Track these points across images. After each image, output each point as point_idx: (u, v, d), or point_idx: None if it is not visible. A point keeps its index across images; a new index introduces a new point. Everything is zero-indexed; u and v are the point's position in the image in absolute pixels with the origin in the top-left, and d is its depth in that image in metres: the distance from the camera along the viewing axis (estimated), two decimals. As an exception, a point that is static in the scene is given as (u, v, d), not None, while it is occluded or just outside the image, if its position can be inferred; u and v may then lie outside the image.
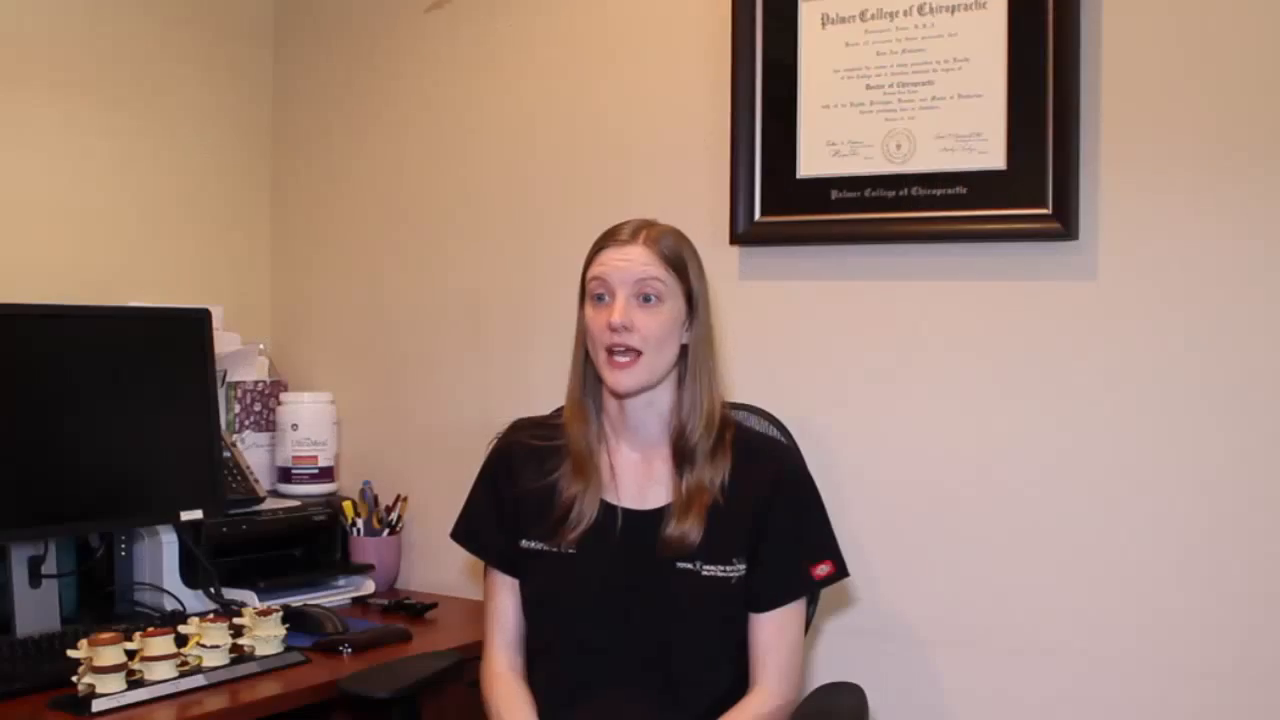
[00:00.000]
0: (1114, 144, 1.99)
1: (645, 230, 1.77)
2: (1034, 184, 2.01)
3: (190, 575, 2.29)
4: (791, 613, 1.79)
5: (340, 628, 2.16)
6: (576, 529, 1.78)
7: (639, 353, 1.73)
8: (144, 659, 1.82)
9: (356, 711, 2.01)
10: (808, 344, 2.25)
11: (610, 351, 1.74)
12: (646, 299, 1.74)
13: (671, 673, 1.75)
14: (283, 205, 2.90)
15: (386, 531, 2.60)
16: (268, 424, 2.71)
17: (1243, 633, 1.90)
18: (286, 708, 1.88)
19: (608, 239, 1.78)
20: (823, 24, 2.19)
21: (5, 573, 2.07)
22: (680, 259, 1.77)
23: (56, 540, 2.14)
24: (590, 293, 1.78)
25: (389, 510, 2.62)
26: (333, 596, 2.44)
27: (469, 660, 1.97)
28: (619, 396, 1.79)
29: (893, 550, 2.16)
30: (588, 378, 1.82)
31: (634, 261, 1.74)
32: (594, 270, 1.77)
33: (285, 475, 2.65)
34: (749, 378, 2.25)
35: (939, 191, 2.10)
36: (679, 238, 1.80)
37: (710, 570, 1.75)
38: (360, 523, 2.58)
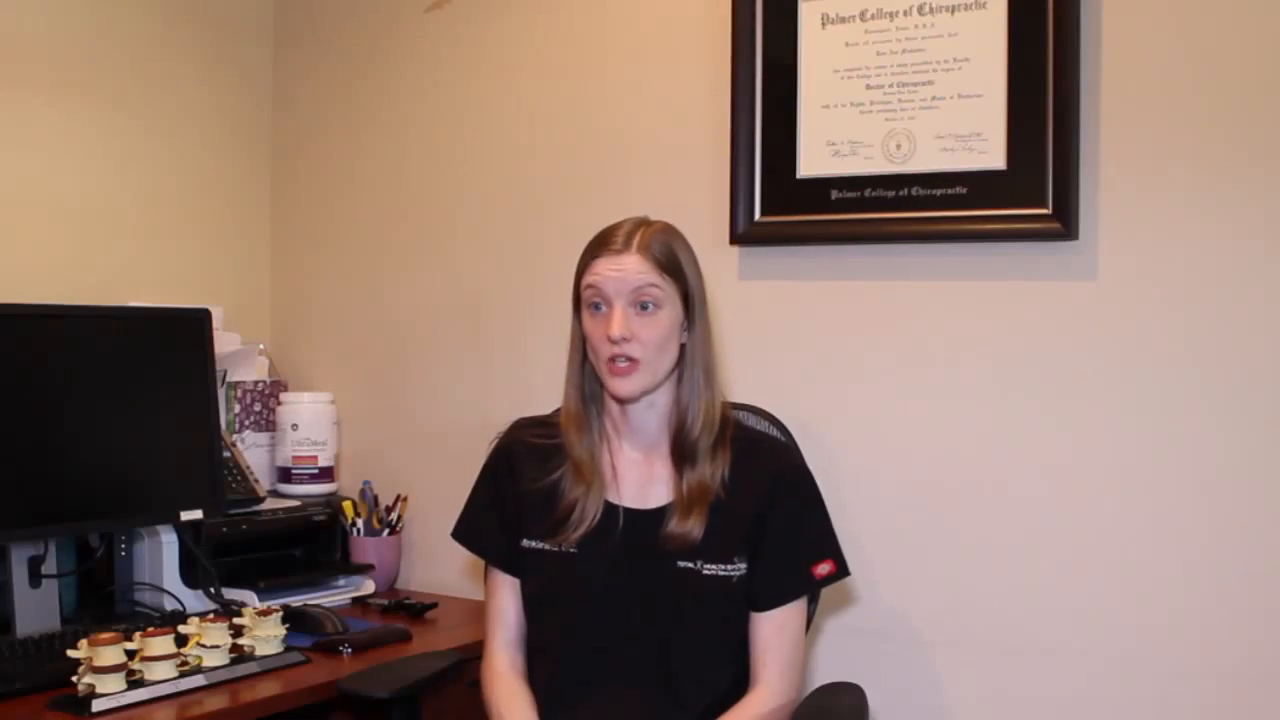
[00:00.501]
0: (1114, 144, 1.99)
1: (638, 235, 1.75)
2: (1034, 184, 2.01)
3: (190, 575, 2.29)
4: (792, 612, 1.79)
5: (340, 628, 2.16)
6: (579, 529, 1.78)
7: (640, 360, 1.73)
8: (144, 659, 1.82)
9: (356, 711, 2.01)
10: (808, 344, 2.25)
11: (612, 359, 1.74)
12: (644, 306, 1.74)
13: (672, 672, 1.75)
14: (283, 205, 2.90)
15: (386, 531, 2.60)
16: (268, 424, 2.71)
17: (1244, 633, 1.90)
18: (286, 708, 1.88)
19: (601, 247, 1.77)
20: (823, 24, 2.19)
21: (5, 573, 2.07)
22: (675, 261, 1.76)
23: (56, 540, 2.14)
24: (586, 301, 1.77)
25: (389, 510, 2.62)
26: (333, 596, 2.44)
27: (469, 660, 1.97)
28: (622, 402, 1.79)
29: (893, 550, 2.16)
30: (585, 383, 1.82)
31: (629, 271, 1.74)
32: (588, 279, 1.76)
33: (285, 475, 2.65)
34: (749, 378, 2.25)
35: (939, 191, 2.10)
36: (671, 235, 1.79)
37: (711, 569, 1.75)
38: (360, 523, 2.58)
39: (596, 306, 1.76)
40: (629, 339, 1.72)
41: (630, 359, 1.73)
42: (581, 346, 1.80)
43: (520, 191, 2.56)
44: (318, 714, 1.97)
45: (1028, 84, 2.01)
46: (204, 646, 1.91)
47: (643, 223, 1.79)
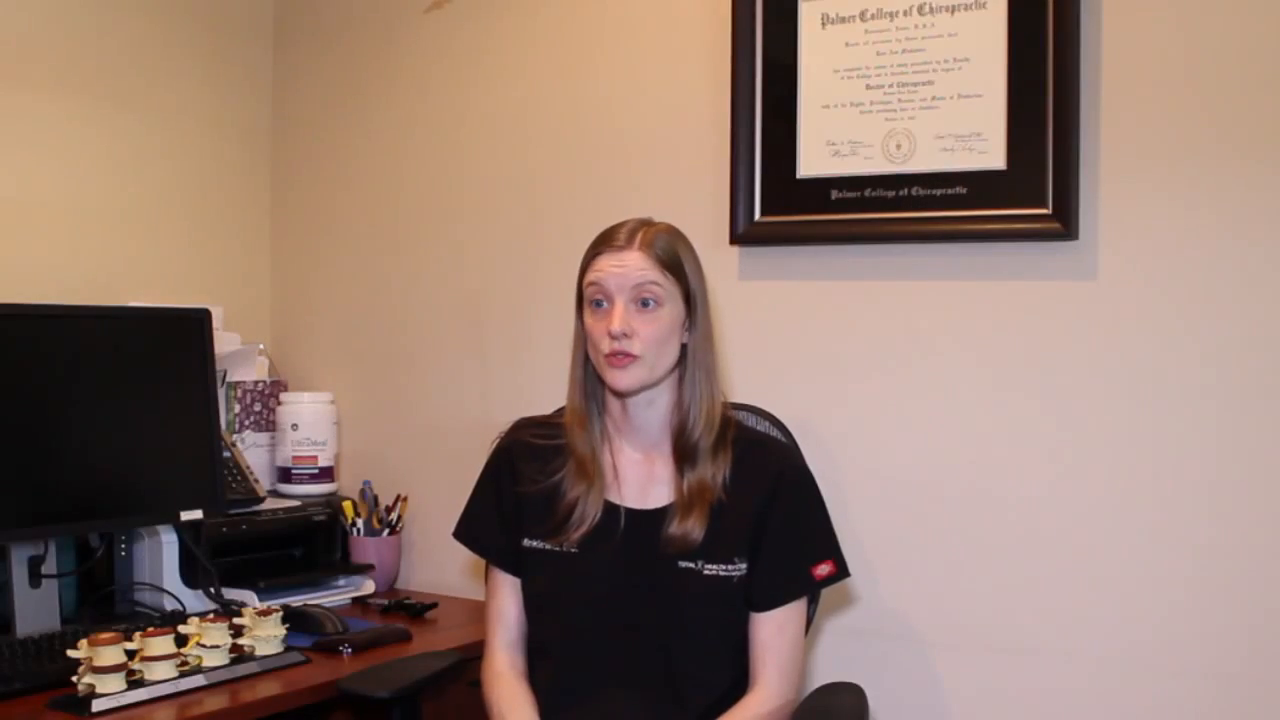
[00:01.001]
0: (1114, 144, 1.99)
1: (641, 233, 1.76)
2: (1034, 184, 2.01)
3: (190, 575, 2.29)
4: (792, 612, 1.79)
5: (340, 628, 2.16)
6: (580, 529, 1.78)
7: (639, 356, 1.73)
8: (144, 659, 1.82)
9: (356, 711, 2.01)
10: (808, 344, 2.25)
11: (611, 355, 1.74)
12: (645, 304, 1.74)
13: (672, 672, 1.75)
14: (283, 205, 2.90)
15: (386, 531, 2.60)
16: (268, 424, 2.71)
17: (1245, 633, 1.90)
18: (286, 708, 1.88)
19: (603, 244, 1.78)
20: (823, 24, 2.19)
21: (5, 573, 2.07)
22: (677, 260, 1.77)
23: (56, 540, 2.14)
24: (588, 299, 1.77)
25: (389, 510, 2.62)
26: (333, 596, 2.44)
27: (469, 660, 1.97)
28: (620, 396, 1.79)
29: (893, 550, 2.16)
30: (588, 381, 1.82)
31: (630, 267, 1.74)
32: (591, 276, 1.77)
33: (285, 475, 2.65)
34: (749, 378, 2.25)
35: (939, 191, 2.10)
36: (675, 237, 1.79)
37: (712, 569, 1.75)
38: (360, 523, 2.58)
39: (598, 303, 1.76)
40: (629, 335, 1.72)
41: (629, 354, 1.73)
42: (584, 345, 1.80)
43: (520, 191, 2.56)
44: (318, 714, 1.97)
45: (1028, 84, 2.01)
46: (204, 646, 1.91)
47: (646, 222, 1.80)
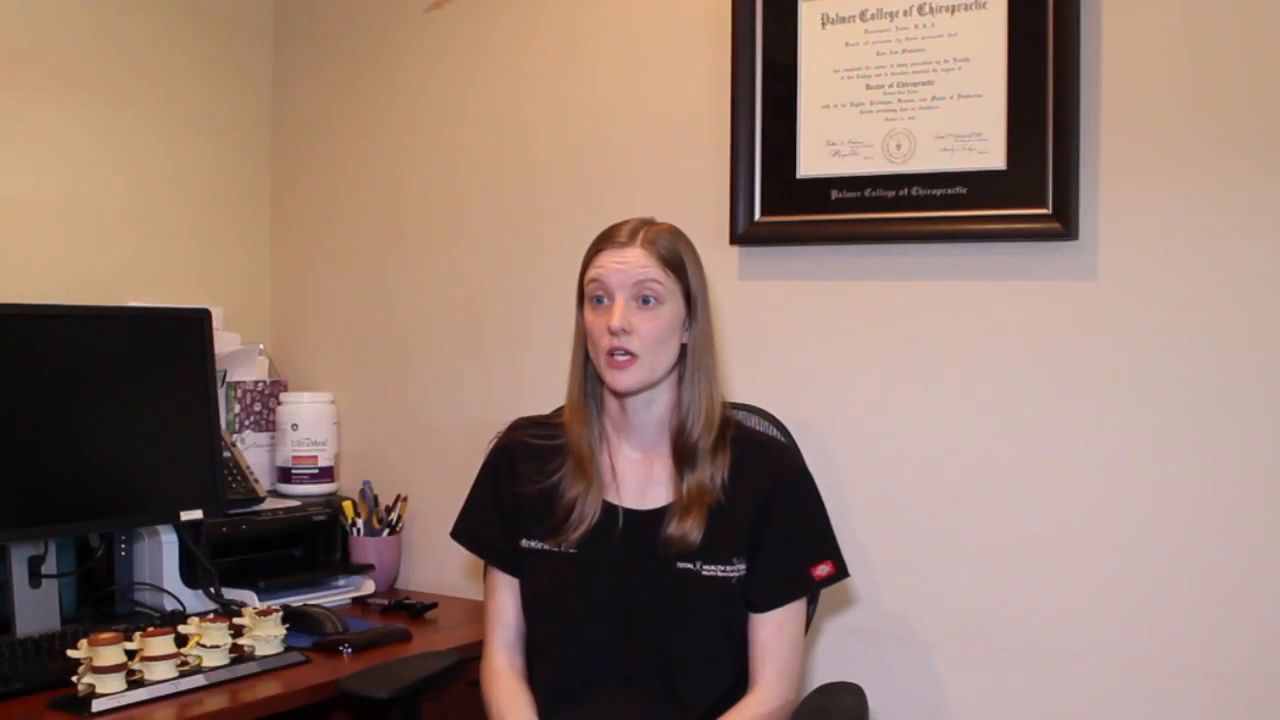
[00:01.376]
0: (1114, 144, 1.99)
1: (643, 231, 1.77)
2: (1034, 184, 2.01)
3: (190, 575, 2.29)
4: (791, 613, 1.79)
5: (340, 628, 2.16)
6: (578, 529, 1.78)
7: (638, 354, 1.73)
8: (144, 659, 1.82)
9: (356, 711, 2.01)
10: (808, 344, 2.25)
11: (610, 353, 1.74)
12: (645, 301, 1.74)
13: (671, 673, 1.75)
14: (283, 205, 2.90)
15: (386, 531, 2.60)
16: (268, 424, 2.71)
17: (1244, 632, 1.90)
18: (286, 708, 1.88)
19: (605, 241, 1.78)
20: (823, 24, 2.19)
21: (5, 573, 2.07)
22: (678, 259, 1.77)
23: (56, 540, 2.14)
24: (589, 295, 1.78)
25: (389, 510, 2.62)
26: (333, 596, 2.44)
27: (469, 660, 1.97)
28: (620, 396, 1.79)
29: (893, 550, 2.16)
30: (588, 379, 1.82)
31: (632, 264, 1.74)
32: (592, 273, 1.77)
33: (285, 475, 2.65)
34: (749, 378, 2.25)
35: (939, 191, 2.10)
36: (677, 236, 1.80)
37: (710, 570, 1.75)
38: (360, 523, 2.58)
39: (599, 300, 1.76)
40: (628, 331, 1.72)
41: (629, 353, 1.73)
42: (584, 342, 1.80)
43: (520, 191, 2.56)
44: (318, 714, 1.97)
45: (1028, 84, 2.01)
46: (204, 646, 1.91)
47: (648, 221, 1.80)
